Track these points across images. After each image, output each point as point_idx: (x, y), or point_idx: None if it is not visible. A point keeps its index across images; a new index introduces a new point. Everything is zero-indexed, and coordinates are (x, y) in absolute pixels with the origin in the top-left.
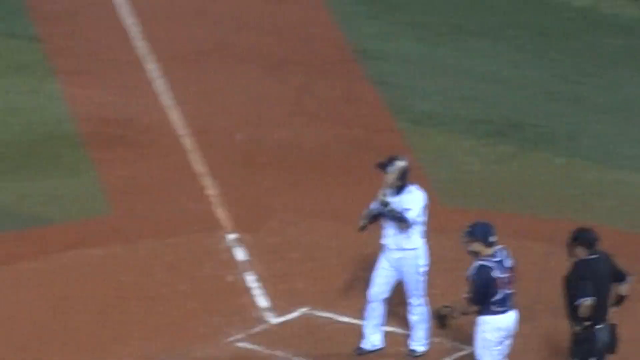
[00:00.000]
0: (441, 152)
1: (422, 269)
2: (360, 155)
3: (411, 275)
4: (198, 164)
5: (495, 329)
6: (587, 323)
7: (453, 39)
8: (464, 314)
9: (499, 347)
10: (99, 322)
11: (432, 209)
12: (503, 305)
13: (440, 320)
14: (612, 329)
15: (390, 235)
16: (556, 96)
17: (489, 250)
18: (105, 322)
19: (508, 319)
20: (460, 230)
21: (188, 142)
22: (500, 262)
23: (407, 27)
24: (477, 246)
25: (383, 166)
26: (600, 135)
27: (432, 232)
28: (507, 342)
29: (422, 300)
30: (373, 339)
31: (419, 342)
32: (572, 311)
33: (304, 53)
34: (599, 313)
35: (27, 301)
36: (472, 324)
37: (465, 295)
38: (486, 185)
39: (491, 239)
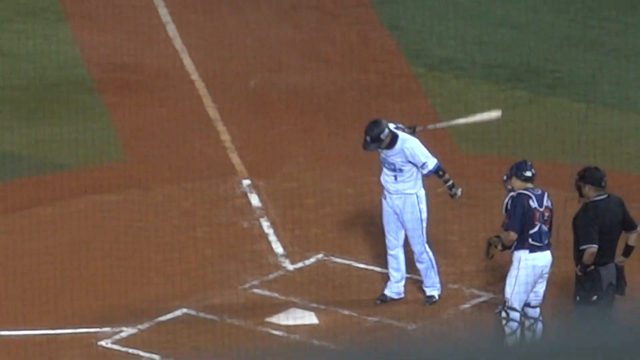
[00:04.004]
0: (457, 97)
1: (423, 215)
2: (375, 101)
3: (410, 222)
4: (211, 109)
5: (530, 266)
6: (590, 268)
7: None
8: (505, 245)
9: (530, 288)
10: (115, 267)
11: (449, 155)
12: (539, 241)
13: (486, 249)
14: (619, 270)
15: (389, 181)
16: (574, 41)
17: (526, 185)
18: (122, 267)
19: (543, 258)
20: (478, 176)
21: (201, 87)
22: (539, 196)
23: None
24: (514, 182)
25: (373, 140)
26: (619, 80)
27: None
28: (541, 285)
29: (424, 248)
30: (395, 287)
31: (431, 288)
32: (577, 254)
33: None
34: (605, 255)
35: (44, 246)
36: (492, 270)
37: (504, 221)
38: (503, 131)
39: (527, 174)
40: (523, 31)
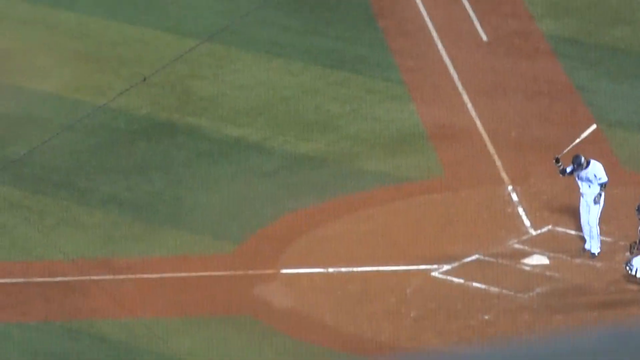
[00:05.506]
0: (622, 141)
1: (600, 206)
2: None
3: (593, 210)
4: (490, 149)
5: None
6: None
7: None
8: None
9: None
10: (438, 233)
11: (616, 172)
12: None
13: (629, 249)
14: None
15: (584, 187)
16: None
17: None
18: (441, 233)
19: None
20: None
21: (485, 137)
22: None
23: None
24: None
25: (578, 164)
26: None
27: (617, 186)
28: None
29: (595, 224)
30: (588, 244)
31: (594, 247)
32: None
33: (548, 90)
34: None
35: (394, 221)
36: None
37: None
38: None
39: None
40: None
